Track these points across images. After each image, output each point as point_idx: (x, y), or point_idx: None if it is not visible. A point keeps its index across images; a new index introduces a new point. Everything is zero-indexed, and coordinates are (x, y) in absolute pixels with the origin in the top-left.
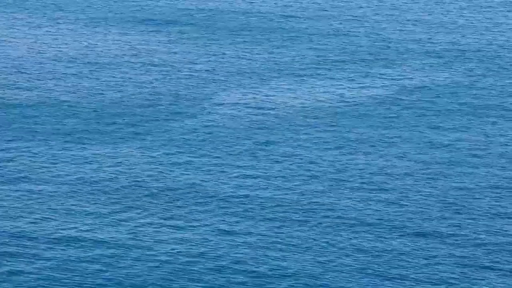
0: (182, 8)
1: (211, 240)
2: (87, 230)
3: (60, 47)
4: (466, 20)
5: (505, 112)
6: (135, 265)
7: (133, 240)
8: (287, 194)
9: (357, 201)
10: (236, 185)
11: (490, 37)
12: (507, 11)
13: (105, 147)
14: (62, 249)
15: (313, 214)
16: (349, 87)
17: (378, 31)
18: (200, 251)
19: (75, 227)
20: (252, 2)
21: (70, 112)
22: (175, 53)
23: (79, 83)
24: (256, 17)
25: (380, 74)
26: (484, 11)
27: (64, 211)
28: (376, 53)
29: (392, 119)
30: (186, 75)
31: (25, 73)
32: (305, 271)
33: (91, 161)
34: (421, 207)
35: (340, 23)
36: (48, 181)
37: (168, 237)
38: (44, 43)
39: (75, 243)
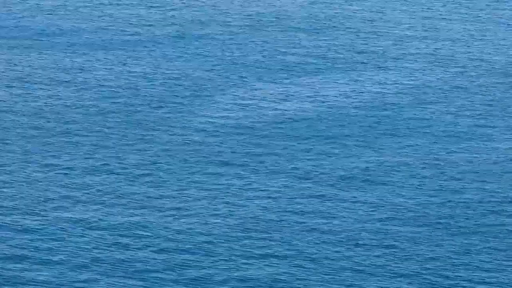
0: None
1: None
2: None
3: None
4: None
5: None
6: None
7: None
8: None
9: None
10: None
11: (480, 42)
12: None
13: None
14: None
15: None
16: (335, 90)
17: (362, 34)
18: None
19: None
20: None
21: None
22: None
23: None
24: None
25: (367, 77)
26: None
27: None
28: (361, 56)
29: (379, 123)
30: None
31: None
32: None
33: None
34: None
35: (327, 26)
36: None
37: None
38: None
39: None
